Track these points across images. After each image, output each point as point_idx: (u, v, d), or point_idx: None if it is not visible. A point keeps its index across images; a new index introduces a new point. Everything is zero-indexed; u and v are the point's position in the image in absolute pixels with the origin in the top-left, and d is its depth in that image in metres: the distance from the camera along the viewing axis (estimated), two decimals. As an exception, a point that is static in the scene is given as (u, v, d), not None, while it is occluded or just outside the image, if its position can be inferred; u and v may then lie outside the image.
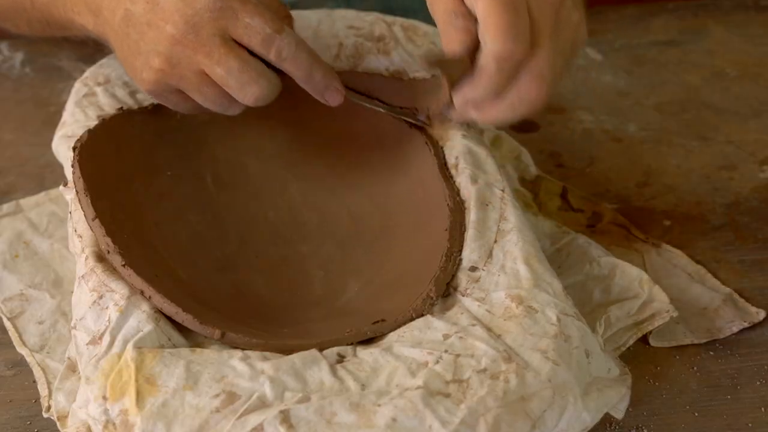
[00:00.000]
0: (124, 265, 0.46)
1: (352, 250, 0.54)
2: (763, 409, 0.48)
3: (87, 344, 0.45)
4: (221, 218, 0.55)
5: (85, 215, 0.49)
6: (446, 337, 0.44)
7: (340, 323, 0.47)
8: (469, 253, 0.48)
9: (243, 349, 0.44)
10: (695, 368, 0.51)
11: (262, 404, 0.41)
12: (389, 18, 0.70)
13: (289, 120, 0.62)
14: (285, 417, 0.40)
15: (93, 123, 0.57)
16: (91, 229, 0.49)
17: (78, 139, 0.54)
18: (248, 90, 0.52)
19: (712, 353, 0.52)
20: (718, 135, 0.72)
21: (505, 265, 0.48)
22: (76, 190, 0.51)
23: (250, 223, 0.56)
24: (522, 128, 0.74)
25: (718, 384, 0.50)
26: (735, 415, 0.48)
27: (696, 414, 0.48)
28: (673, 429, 0.47)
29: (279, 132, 0.61)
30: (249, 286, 0.51)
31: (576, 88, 0.80)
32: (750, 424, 0.47)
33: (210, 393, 0.41)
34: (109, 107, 0.59)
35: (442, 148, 0.57)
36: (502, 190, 0.52)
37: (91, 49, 0.86)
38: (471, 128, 0.58)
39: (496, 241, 0.49)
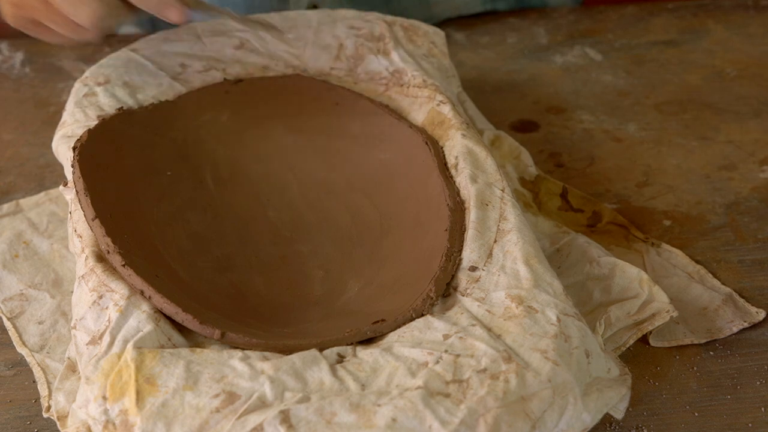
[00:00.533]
0: (124, 265, 0.46)
1: (352, 250, 0.54)
2: (763, 409, 0.48)
3: (87, 344, 0.45)
4: (221, 218, 0.55)
5: (85, 215, 0.49)
6: (446, 337, 0.44)
7: (340, 323, 0.47)
8: (469, 253, 0.48)
9: (243, 349, 0.44)
10: (695, 368, 0.51)
11: (262, 404, 0.41)
12: (389, 18, 0.70)
13: (290, 120, 0.62)
14: (285, 417, 0.40)
15: (93, 123, 0.57)
16: (91, 229, 0.49)
17: (78, 139, 0.54)
18: (81, 12, 0.55)
19: (712, 353, 0.52)
20: (718, 135, 0.72)
21: (505, 265, 0.48)
22: (76, 190, 0.51)
23: (250, 223, 0.56)
24: (522, 128, 0.74)
25: (718, 384, 0.50)
26: (735, 415, 0.48)
27: (696, 414, 0.48)
28: (673, 429, 0.47)
29: (279, 132, 0.61)
30: (249, 286, 0.51)
31: (576, 88, 0.80)
32: (750, 424, 0.47)
33: (210, 393, 0.41)
34: (109, 107, 0.59)
35: (441, 148, 0.57)
36: (502, 190, 0.52)
37: (91, 49, 0.86)
38: (470, 128, 0.58)
39: (496, 241, 0.49)
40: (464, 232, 0.50)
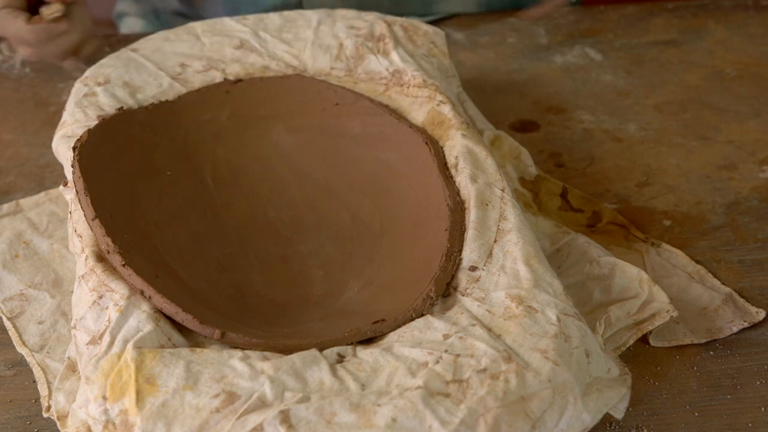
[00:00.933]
0: (124, 265, 0.46)
1: (352, 250, 0.54)
2: (763, 409, 0.48)
3: (87, 344, 0.45)
4: (221, 218, 0.55)
5: (85, 215, 0.49)
6: (446, 337, 0.44)
7: (340, 323, 0.47)
8: (469, 253, 0.48)
9: (243, 349, 0.44)
10: (695, 368, 0.51)
11: (262, 404, 0.41)
12: (389, 18, 0.70)
13: (290, 120, 0.62)
14: (285, 417, 0.40)
15: (93, 123, 0.57)
16: (91, 229, 0.49)
17: (78, 139, 0.54)
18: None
19: (712, 353, 0.52)
20: (718, 135, 0.72)
21: (505, 264, 0.48)
22: (76, 190, 0.51)
23: (250, 223, 0.56)
24: (522, 128, 0.74)
25: (718, 384, 0.50)
26: (735, 415, 0.48)
27: (696, 414, 0.48)
28: (673, 429, 0.47)
29: (279, 132, 0.61)
30: (249, 286, 0.51)
31: (576, 88, 0.80)
32: (750, 424, 0.47)
33: (210, 393, 0.41)
34: (109, 107, 0.59)
35: (441, 148, 0.57)
36: (502, 190, 0.52)
37: (91, 48, 0.86)
38: (470, 128, 0.58)
39: (496, 241, 0.49)
40: (464, 232, 0.50)
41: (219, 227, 0.55)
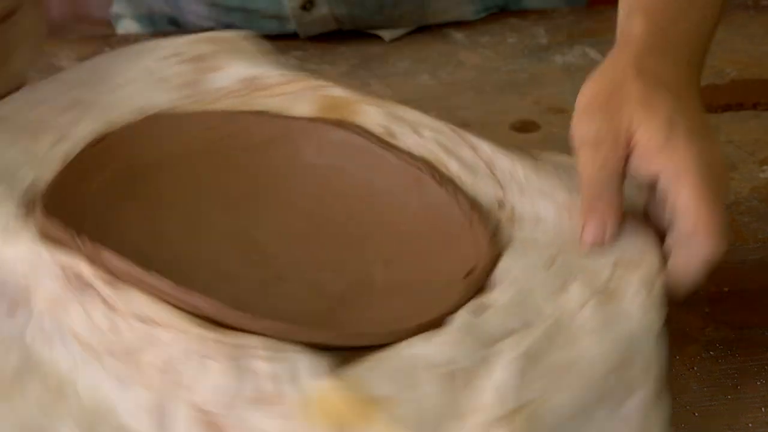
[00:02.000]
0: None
1: (352, 252, 0.53)
2: (763, 409, 0.48)
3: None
4: (210, 237, 0.53)
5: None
6: None
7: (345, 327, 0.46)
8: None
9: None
10: (695, 368, 0.51)
11: None
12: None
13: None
14: None
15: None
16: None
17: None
18: None
19: (712, 353, 0.52)
20: (718, 135, 0.72)
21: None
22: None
23: (237, 246, 0.54)
24: (522, 128, 0.74)
25: (718, 384, 0.50)
26: (735, 415, 0.48)
27: (696, 414, 0.48)
28: (673, 429, 0.47)
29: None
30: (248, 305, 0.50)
31: (576, 88, 0.79)
32: (750, 424, 0.47)
33: None
34: None
35: (364, 128, 0.54)
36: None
37: (91, 49, 0.86)
38: (377, 98, 0.55)
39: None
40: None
41: (209, 246, 0.53)
